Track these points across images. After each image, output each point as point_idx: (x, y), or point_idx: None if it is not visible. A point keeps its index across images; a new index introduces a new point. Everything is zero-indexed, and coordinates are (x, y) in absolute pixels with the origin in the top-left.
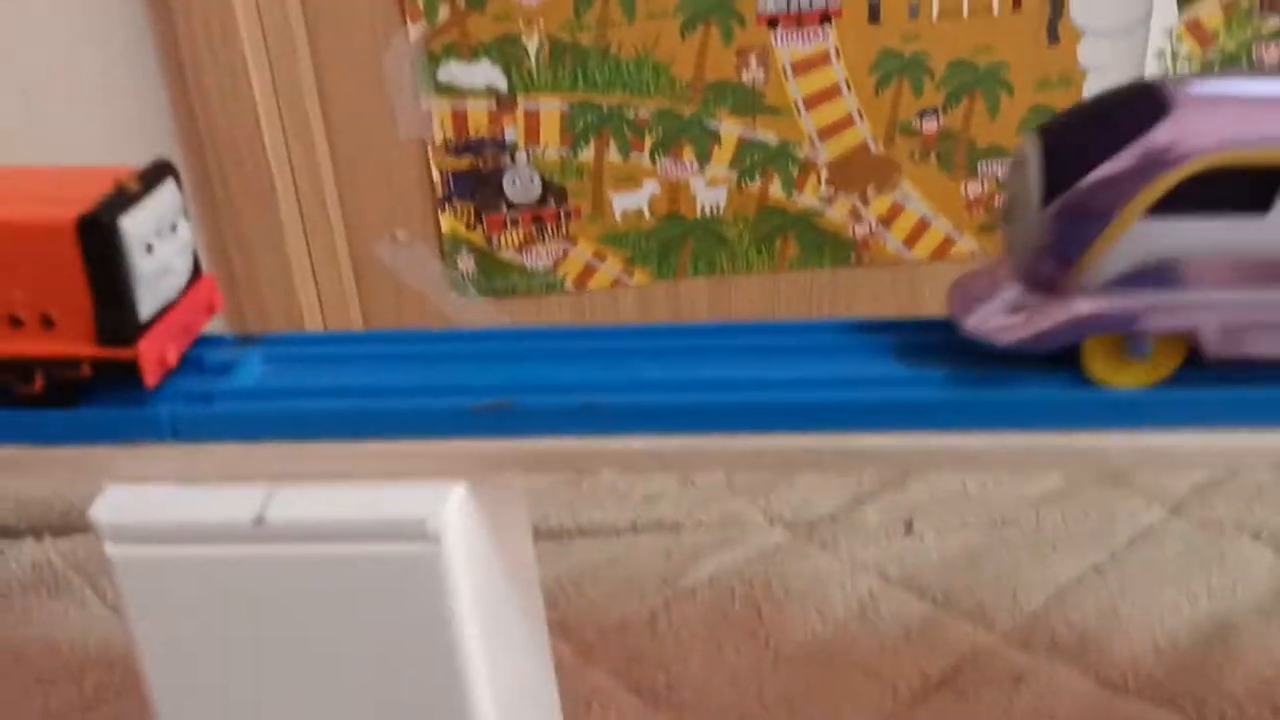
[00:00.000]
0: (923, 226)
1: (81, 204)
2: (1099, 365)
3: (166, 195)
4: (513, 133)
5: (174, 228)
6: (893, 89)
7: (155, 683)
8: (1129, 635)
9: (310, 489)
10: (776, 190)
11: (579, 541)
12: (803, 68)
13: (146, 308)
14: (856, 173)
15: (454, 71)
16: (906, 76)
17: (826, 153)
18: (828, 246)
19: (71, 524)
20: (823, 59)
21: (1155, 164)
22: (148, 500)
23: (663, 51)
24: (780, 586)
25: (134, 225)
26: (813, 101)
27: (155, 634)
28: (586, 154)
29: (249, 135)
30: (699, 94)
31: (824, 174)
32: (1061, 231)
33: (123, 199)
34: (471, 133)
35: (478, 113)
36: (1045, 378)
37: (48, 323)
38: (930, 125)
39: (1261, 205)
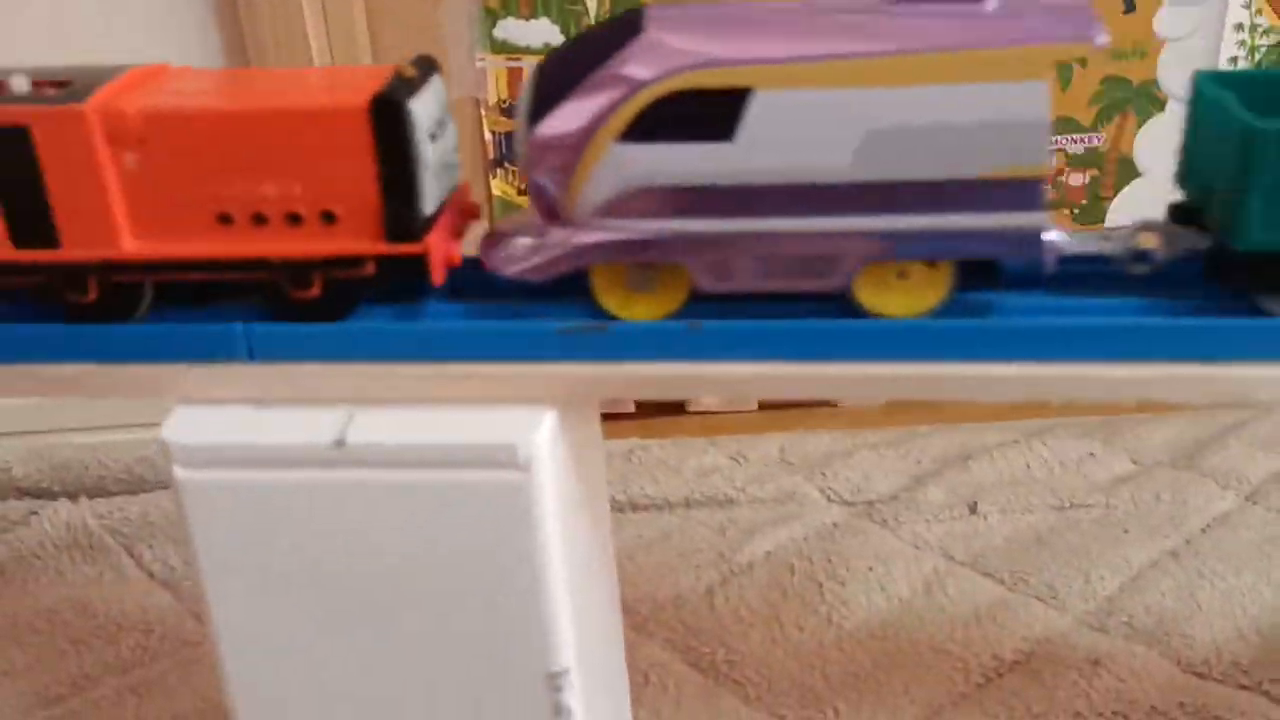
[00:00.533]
0: None
1: (366, 90)
2: (608, 298)
3: (438, 86)
4: None
5: (443, 122)
6: None
7: (220, 620)
8: (1209, 620)
9: (393, 412)
10: None
11: (631, 516)
12: None
13: (430, 202)
14: None
15: (511, 29)
16: None
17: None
18: None
19: (106, 487)
20: None
21: (620, 86)
22: (219, 421)
23: None
24: (841, 564)
25: (421, 109)
26: None
27: (223, 566)
28: None
29: None
30: None
31: None
32: (543, 159)
33: (407, 85)
34: None
35: None
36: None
37: (329, 218)
38: None
39: (726, 132)
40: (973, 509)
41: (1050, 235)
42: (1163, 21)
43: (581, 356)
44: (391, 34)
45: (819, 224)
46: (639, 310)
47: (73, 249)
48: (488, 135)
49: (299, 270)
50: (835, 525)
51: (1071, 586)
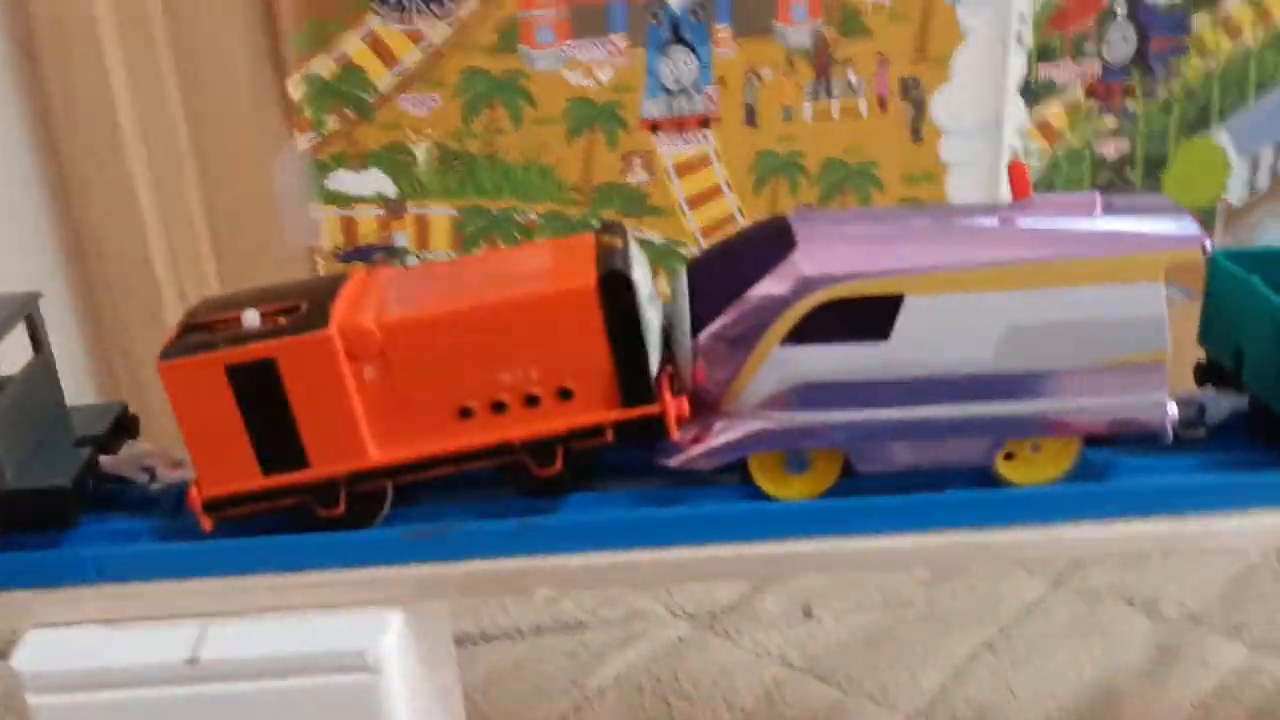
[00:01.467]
0: None
1: (585, 267)
2: (765, 479)
3: (636, 248)
4: (403, 238)
5: (651, 285)
6: (770, 187)
7: None
8: (1023, 708)
9: (246, 624)
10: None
11: (484, 648)
12: (685, 169)
13: (654, 362)
14: None
15: (343, 180)
16: (783, 175)
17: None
18: None
19: None
20: (703, 161)
21: (785, 296)
22: (72, 644)
23: (550, 156)
24: (688, 680)
25: (638, 277)
26: (695, 201)
27: None
28: None
29: (136, 253)
30: (587, 196)
31: None
32: (713, 359)
33: (620, 255)
34: (361, 239)
35: (367, 219)
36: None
37: (565, 395)
38: None
39: (882, 333)
40: (807, 613)
41: (1173, 411)
42: (946, 149)
43: (424, 558)
44: (225, 193)
45: (965, 410)
46: (793, 490)
47: (322, 466)
48: None
49: (542, 449)
50: (680, 640)
51: (900, 685)
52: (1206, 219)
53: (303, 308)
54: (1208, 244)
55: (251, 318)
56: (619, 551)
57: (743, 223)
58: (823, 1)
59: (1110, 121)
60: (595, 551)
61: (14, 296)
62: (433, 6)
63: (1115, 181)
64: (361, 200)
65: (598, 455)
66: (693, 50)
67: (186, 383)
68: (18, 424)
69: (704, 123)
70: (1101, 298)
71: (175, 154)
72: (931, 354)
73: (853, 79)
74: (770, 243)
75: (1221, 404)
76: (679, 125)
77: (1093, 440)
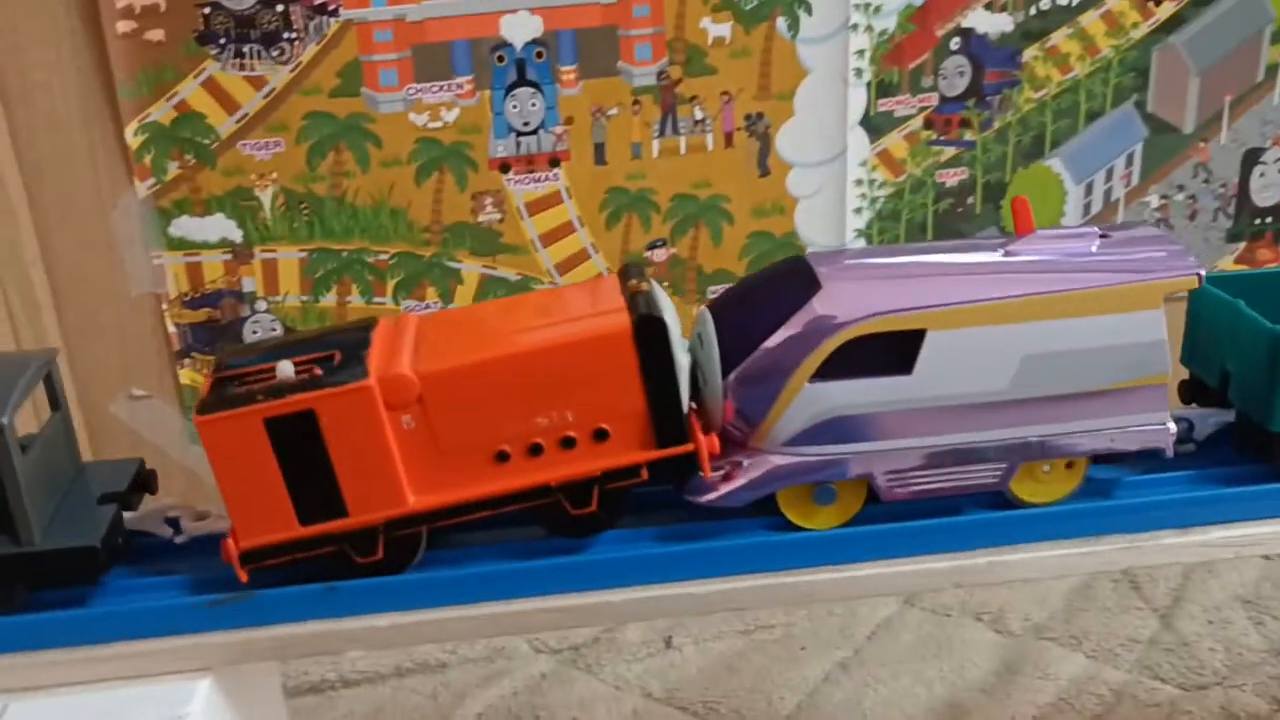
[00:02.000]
0: None
1: (617, 312)
2: (793, 511)
3: (661, 292)
4: (251, 283)
5: (678, 326)
6: (623, 223)
7: None
8: None
9: (50, 699)
10: None
11: (343, 693)
12: (536, 207)
13: (685, 401)
14: None
15: (186, 226)
16: (634, 211)
17: (566, 285)
18: None
19: None
20: (555, 199)
21: (813, 335)
22: None
23: (399, 197)
24: (548, 716)
25: (669, 319)
26: (549, 238)
27: None
28: (329, 299)
29: None
30: (438, 236)
31: None
32: (743, 398)
33: (647, 298)
34: (208, 285)
35: (213, 265)
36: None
37: (601, 436)
38: (660, 255)
39: (906, 367)
40: (668, 643)
41: (1173, 430)
42: (794, 182)
43: (231, 625)
44: (63, 243)
45: (984, 436)
46: (820, 520)
47: (360, 514)
48: (171, 328)
49: (579, 490)
50: (543, 675)
51: (757, 710)
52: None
53: (337, 358)
54: (1202, 272)
55: (286, 369)
56: (430, 610)
57: (596, 258)
58: (666, 41)
59: (950, 151)
60: (404, 612)
61: (33, 354)
62: (272, 51)
63: (957, 208)
64: (206, 246)
65: (629, 494)
66: (539, 90)
67: (225, 436)
68: (43, 483)
69: (553, 161)
70: (1107, 326)
71: (9, 205)
72: (952, 385)
73: (699, 115)
74: (793, 284)
75: (1208, 420)
76: (528, 164)
77: (1098, 459)
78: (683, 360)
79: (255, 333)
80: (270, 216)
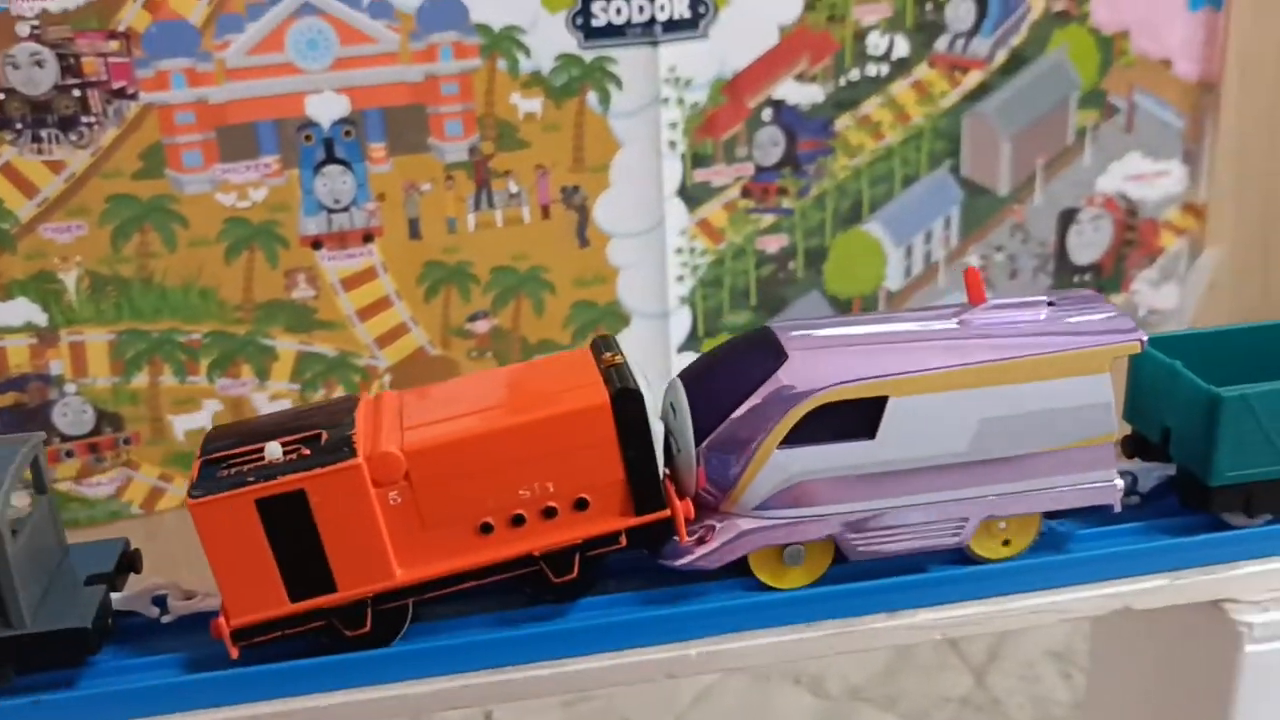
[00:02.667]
0: None
1: (594, 385)
2: (764, 572)
3: (630, 362)
4: (58, 365)
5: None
6: (441, 296)
7: None
8: None
9: None
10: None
11: None
12: (352, 283)
13: (660, 469)
14: (417, 376)
15: None
16: (453, 284)
17: (386, 359)
18: None
19: None
20: (370, 274)
21: (780, 404)
22: None
23: (209, 277)
24: None
25: (644, 390)
26: (366, 313)
27: None
28: (140, 379)
29: None
30: (250, 314)
31: (387, 379)
32: (715, 465)
33: (621, 370)
34: (13, 369)
35: (18, 349)
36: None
37: (581, 505)
38: (482, 326)
39: (869, 432)
40: (487, 717)
41: (1119, 486)
42: (614, 252)
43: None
44: None
45: (945, 496)
46: (790, 579)
47: (349, 589)
48: None
49: (560, 558)
50: None
51: None
52: (868, 304)
53: (324, 437)
54: (1144, 338)
55: (274, 450)
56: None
57: (416, 331)
58: (477, 117)
59: (768, 219)
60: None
61: (20, 438)
62: (70, 135)
63: (780, 274)
64: (9, 330)
65: (606, 561)
66: (348, 168)
67: (217, 518)
68: (32, 566)
69: (367, 237)
70: (1059, 390)
71: None
72: (914, 448)
73: (514, 189)
74: (760, 354)
75: (1151, 474)
76: (341, 240)
77: (1050, 515)
78: (657, 429)
79: (65, 415)
80: (75, 299)
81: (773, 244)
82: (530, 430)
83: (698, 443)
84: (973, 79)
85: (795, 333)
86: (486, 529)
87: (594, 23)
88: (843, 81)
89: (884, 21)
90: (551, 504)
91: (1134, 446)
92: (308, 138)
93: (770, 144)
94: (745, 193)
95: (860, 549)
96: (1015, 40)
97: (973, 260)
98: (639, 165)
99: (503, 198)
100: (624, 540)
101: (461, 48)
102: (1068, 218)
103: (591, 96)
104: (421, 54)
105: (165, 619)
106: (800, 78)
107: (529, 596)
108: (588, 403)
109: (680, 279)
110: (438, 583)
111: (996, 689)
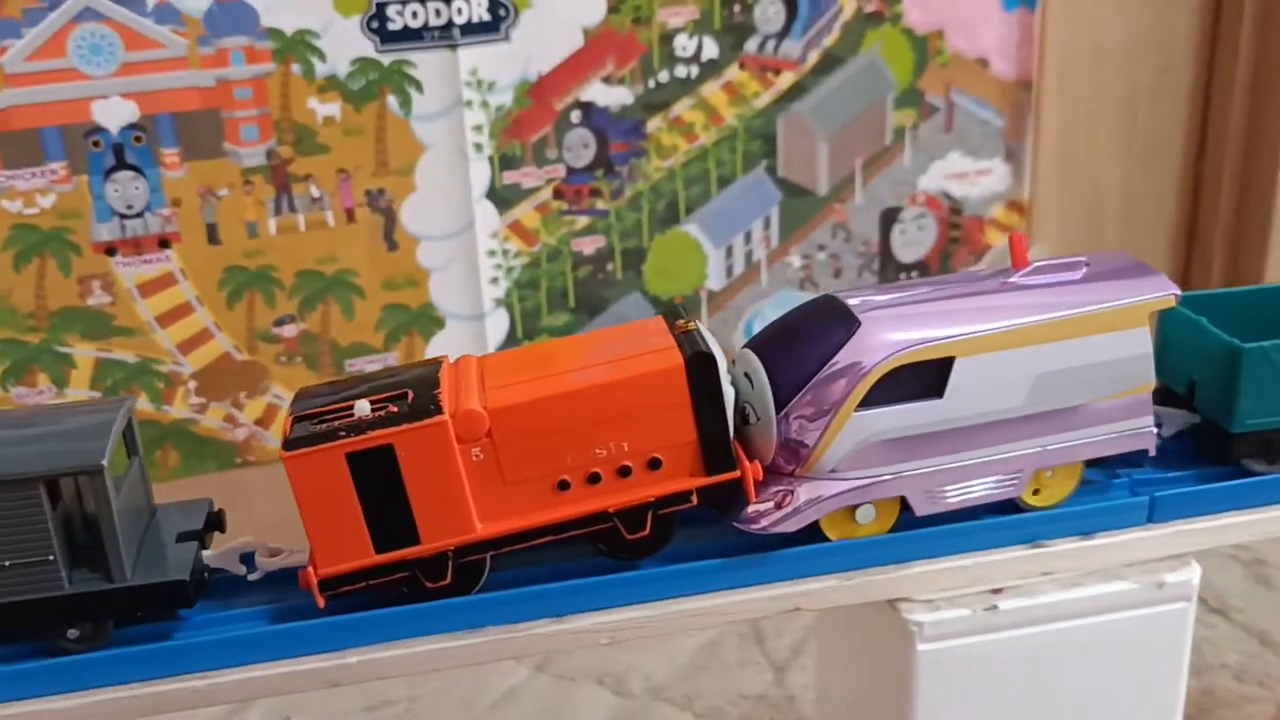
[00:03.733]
0: None
1: (669, 349)
2: (835, 531)
3: (704, 327)
4: None
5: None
6: (245, 301)
7: None
8: None
9: None
10: (145, 404)
11: None
12: (150, 289)
13: (731, 432)
14: (224, 381)
15: None
16: (257, 289)
17: (191, 365)
18: (209, 451)
19: None
20: (169, 280)
21: (860, 367)
22: None
23: None
24: None
25: (718, 355)
26: (166, 319)
27: None
28: None
29: None
30: (44, 323)
31: (192, 385)
32: (795, 430)
33: (694, 335)
34: None
35: None
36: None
37: (654, 465)
38: (290, 330)
39: (938, 391)
40: None
41: (1156, 431)
42: (424, 255)
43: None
44: None
45: (1005, 449)
46: (861, 532)
47: (432, 541)
48: None
49: (634, 516)
50: None
51: None
52: (691, 305)
53: (410, 396)
54: (1179, 292)
55: (364, 407)
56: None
57: (220, 337)
58: (274, 122)
59: (583, 220)
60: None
61: (116, 401)
62: None
63: (598, 275)
64: None
65: (677, 519)
66: (140, 174)
67: (309, 470)
68: (130, 523)
69: (163, 242)
70: (1105, 343)
71: None
72: (977, 405)
73: (316, 193)
74: (832, 322)
75: (1175, 420)
76: (136, 246)
77: (1092, 463)
78: (730, 392)
79: None
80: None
81: (589, 245)
82: (608, 391)
83: (778, 410)
84: (785, 80)
85: (859, 299)
86: (564, 486)
87: (390, 26)
88: (652, 83)
89: (691, 23)
90: (627, 463)
91: (1161, 398)
92: (96, 144)
93: (580, 146)
94: (557, 194)
95: (927, 505)
96: (827, 41)
97: (794, 260)
98: (445, 168)
99: (304, 202)
100: (695, 499)
101: (253, 52)
102: (890, 217)
103: (392, 100)
104: (211, 59)
105: (252, 576)
106: (608, 80)
107: (601, 551)
108: (663, 365)
109: (494, 281)
110: (516, 537)
111: (794, 686)
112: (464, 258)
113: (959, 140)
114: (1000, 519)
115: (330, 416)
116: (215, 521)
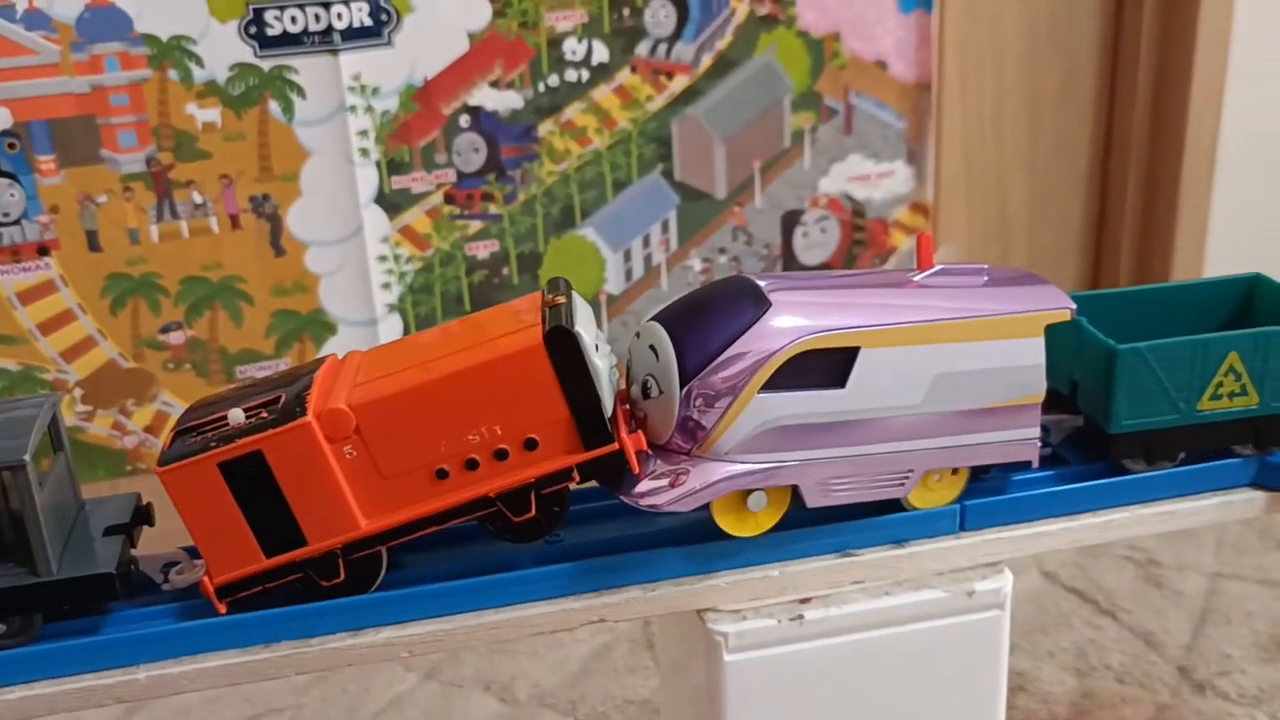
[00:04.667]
0: None
1: (531, 328)
2: (726, 519)
3: (581, 303)
4: None
5: (598, 332)
6: (129, 308)
7: None
8: None
9: None
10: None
11: None
12: (30, 297)
13: (608, 404)
14: (111, 389)
15: None
16: (141, 296)
17: (76, 373)
18: (99, 459)
19: None
20: (49, 287)
21: (768, 347)
22: None
23: None
24: None
25: (583, 329)
26: (48, 327)
27: None
28: None
29: None
30: None
31: (78, 393)
32: (696, 408)
33: (563, 312)
34: None
35: None
36: (166, 615)
37: (531, 445)
38: (177, 337)
39: (840, 381)
40: None
41: (1038, 443)
42: (312, 260)
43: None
44: None
45: (899, 446)
46: (749, 526)
47: (319, 542)
48: None
49: (516, 498)
50: None
51: None
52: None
53: (282, 399)
54: (1074, 306)
55: (237, 415)
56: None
57: (105, 345)
58: (152, 128)
59: (476, 225)
60: None
61: (40, 398)
62: None
63: (494, 279)
64: None
65: (568, 497)
66: (16, 180)
67: (185, 483)
68: (55, 517)
69: (42, 250)
70: (1003, 350)
71: None
72: (878, 398)
73: (198, 199)
74: (743, 302)
75: (1063, 426)
76: (14, 254)
77: (977, 472)
78: (600, 365)
79: None
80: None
81: (483, 249)
82: (469, 377)
83: (683, 387)
84: (679, 83)
85: (768, 282)
86: (442, 475)
87: (268, 31)
88: (542, 87)
89: (579, 27)
90: (502, 446)
91: (1046, 401)
92: None
93: (471, 150)
94: (449, 199)
95: (817, 496)
96: (720, 44)
97: (694, 263)
98: (330, 173)
99: (187, 208)
100: (577, 476)
101: (128, 58)
102: (792, 219)
103: (274, 105)
104: (85, 65)
105: (166, 588)
106: (496, 84)
107: (496, 535)
108: (521, 345)
109: (386, 286)
110: (403, 530)
111: None
112: (354, 263)
113: (859, 143)
114: (808, 530)
115: (207, 428)
116: (143, 516)
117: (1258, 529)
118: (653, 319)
